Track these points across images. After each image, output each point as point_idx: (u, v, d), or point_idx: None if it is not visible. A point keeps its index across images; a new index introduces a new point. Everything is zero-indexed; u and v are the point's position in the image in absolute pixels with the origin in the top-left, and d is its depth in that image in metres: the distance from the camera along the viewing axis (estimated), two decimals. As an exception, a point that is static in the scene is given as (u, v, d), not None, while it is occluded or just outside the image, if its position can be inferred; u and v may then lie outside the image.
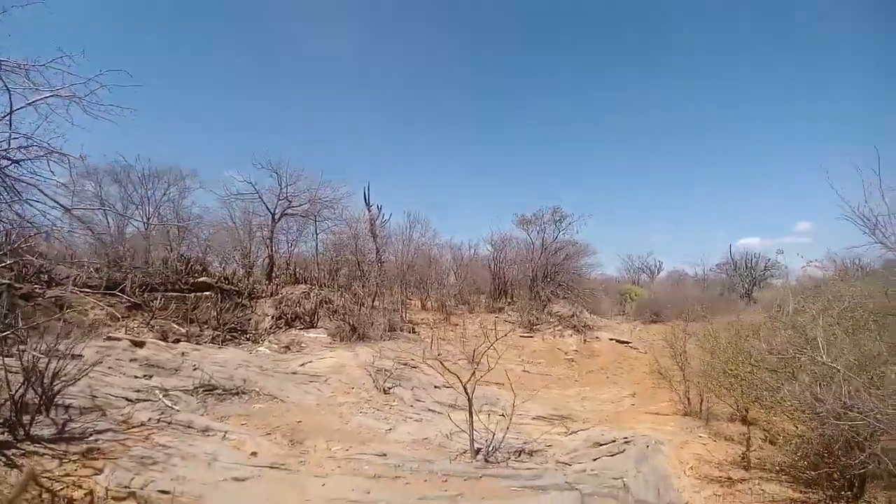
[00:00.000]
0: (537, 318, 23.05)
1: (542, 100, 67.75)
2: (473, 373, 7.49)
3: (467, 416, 7.23)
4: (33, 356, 6.05)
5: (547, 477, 5.89)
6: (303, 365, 12.76)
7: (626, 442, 8.37)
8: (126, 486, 4.57)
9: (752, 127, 58.83)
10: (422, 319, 21.67)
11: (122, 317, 12.19)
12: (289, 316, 17.28)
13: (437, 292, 24.06)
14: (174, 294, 14.25)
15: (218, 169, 57.01)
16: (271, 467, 5.67)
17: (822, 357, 4.49)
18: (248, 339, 15.30)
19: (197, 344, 12.24)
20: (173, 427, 6.79)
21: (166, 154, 48.51)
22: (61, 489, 4.53)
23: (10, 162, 5.89)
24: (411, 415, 9.37)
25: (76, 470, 4.95)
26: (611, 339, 22.00)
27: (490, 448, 7.06)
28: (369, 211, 22.43)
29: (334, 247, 22.88)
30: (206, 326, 14.37)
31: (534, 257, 24.87)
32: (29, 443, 5.30)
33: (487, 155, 66.75)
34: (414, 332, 19.70)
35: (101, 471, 4.84)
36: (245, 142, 51.64)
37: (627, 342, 21.39)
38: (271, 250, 22.11)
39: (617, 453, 7.15)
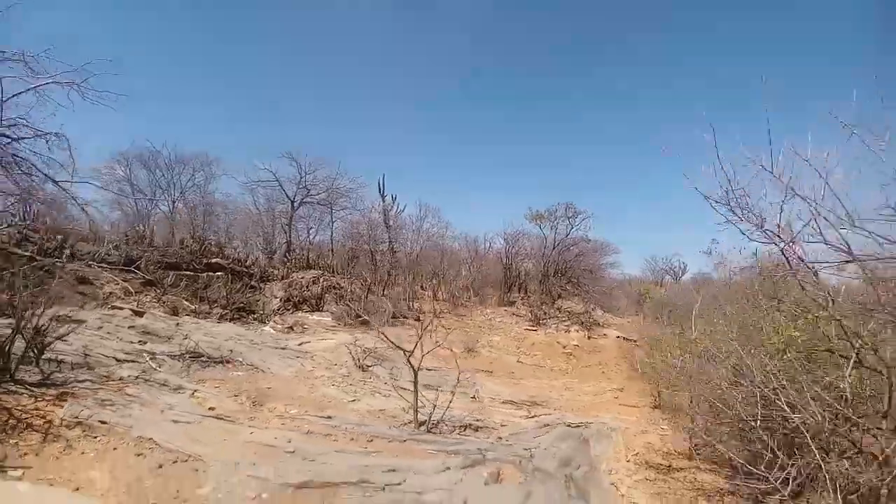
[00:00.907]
0: (545, 313, 23.20)
1: (575, 99, 66.77)
2: (415, 346, 7.97)
3: (418, 389, 7.74)
4: (24, 314, 6.89)
5: (466, 445, 6.32)
6: (300, 344, 13.56)
7: (576, 426, 8.68)
8: (76, 417, 5.34)
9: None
10: (429, 309, 22.23)
11: (136, 292, 13.27)
12: (296, 299, 18.18)
13: (449, 283, 24.58)
14: (186, 273, 15.31)
15: (243, 157, 58.73)
16: (217, 417, 6.35)
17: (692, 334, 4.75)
18: (255, 319, 16.25)
19: (203, 319, 13.19)
20: (149, 384, 7.59)
21: (195, 142, 50.85)
22: (26, 417, 5.32)
23: (9, 140, 6.78)
24: (381, 390, 9.94)
25: (45, 406, 5.75)
26: (618, 337, 21.95)
27: (432, 420, 7.54)
28: (384, 201, 23.13)
29: (350, 235, 23.72)
30: (215, 305, 15.36)
31: (545, 253, 24.97)
32: (12, 384, 6.14)
33: (514, 153, 66.36)
34: (419, 320, 20.29)
35: (63, 407, 5.62)
36: (270, 130, 53.43)
37: (634, 340, 21.27)
38: (289, 236, 23.16)
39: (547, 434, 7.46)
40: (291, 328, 15.96)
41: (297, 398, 8.46)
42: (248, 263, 18.84)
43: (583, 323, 22.89)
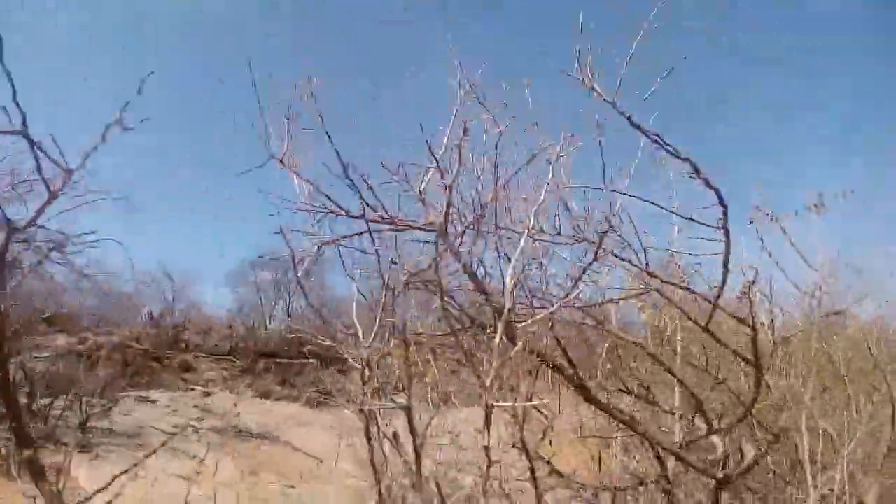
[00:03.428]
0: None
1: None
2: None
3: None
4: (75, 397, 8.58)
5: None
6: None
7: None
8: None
9: None
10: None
11: (233, 377, 15.26)
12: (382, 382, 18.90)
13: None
14: (279, 360, 17.14)
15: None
16: (178, 476, 7.00)
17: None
18: (340, 403, 17.23)
19: (277, 401, 14.52)
20: (171, 450, 8.65)
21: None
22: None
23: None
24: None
25: (46, 457, 7.01)
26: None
27: None
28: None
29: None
30: (305, 389, 16.76)
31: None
32: (49, 443, 7.64)
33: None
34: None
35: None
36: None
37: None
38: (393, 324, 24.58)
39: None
40: (362, 411, 16.55)
41: (295, 470, 8.78)
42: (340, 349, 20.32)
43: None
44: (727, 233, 2.69)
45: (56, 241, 9.01)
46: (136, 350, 13.37)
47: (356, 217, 3.02)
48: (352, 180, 3.02)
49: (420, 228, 2.97)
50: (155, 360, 13.80)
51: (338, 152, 3.08)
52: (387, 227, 3.06)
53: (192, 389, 12.86)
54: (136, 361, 11.76)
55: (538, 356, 3.18)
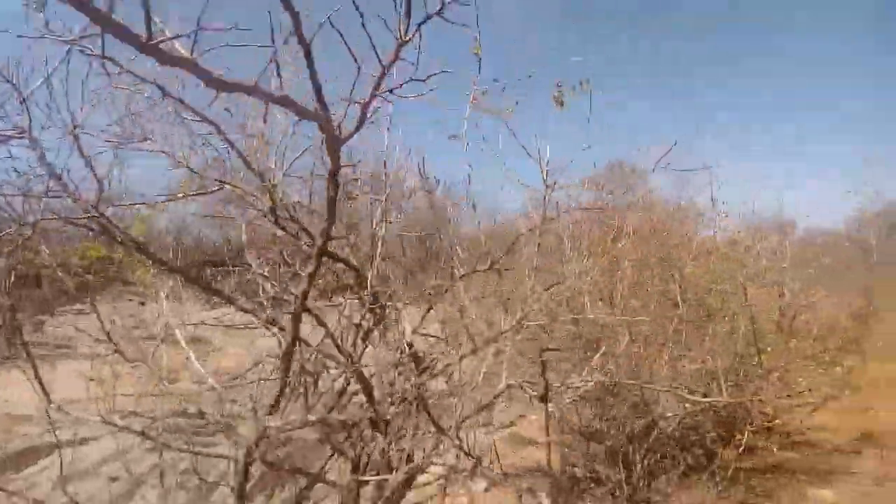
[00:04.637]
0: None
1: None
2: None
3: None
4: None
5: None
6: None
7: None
8: None
9: None
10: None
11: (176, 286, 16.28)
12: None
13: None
14: (218, 268, 18.17)
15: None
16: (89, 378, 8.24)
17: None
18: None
19: (226, 308, 15.75)
20: (97, 357, 9.86)
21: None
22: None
23: None
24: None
25: None
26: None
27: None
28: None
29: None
30: (240, 295, 18.00)
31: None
32: None
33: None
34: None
35: None
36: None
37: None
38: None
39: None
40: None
41: (213, 372, 10.14)
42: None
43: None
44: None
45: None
46: (76, 265, 14.16)
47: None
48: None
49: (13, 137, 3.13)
50: (96, 273, 14.64)
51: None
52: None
53: (131, 300, 13.87)
54: (75, 276, 12.61)
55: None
